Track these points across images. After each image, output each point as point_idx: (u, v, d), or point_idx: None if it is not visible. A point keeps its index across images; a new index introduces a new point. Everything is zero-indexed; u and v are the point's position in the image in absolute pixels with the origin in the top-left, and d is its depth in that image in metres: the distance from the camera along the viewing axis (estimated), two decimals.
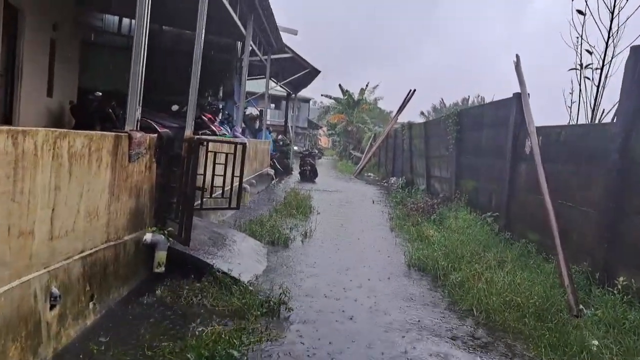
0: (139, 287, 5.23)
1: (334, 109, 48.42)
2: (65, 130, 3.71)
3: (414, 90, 26.19)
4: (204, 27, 7.74)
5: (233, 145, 8.07)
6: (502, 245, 7.93)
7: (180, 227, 5.49)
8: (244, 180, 12.11)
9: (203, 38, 7.77)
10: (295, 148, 27.00)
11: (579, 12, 7.40)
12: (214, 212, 8.88)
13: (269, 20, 13.25)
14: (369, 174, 27.54)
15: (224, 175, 7.78)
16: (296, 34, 17.00)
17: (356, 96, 44.06)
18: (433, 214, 10.91)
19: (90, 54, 15.69)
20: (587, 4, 7.28)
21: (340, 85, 44.14)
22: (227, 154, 7.89)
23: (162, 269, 5.44)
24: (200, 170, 7.59)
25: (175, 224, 5.76)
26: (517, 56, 9.24)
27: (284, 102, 32.96)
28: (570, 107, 7.80)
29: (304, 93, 49.89)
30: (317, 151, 50.16)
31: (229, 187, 8.12)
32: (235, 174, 8.06)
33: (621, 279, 5.31)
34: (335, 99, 46.22)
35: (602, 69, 7.25)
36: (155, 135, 5.62)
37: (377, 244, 8.64)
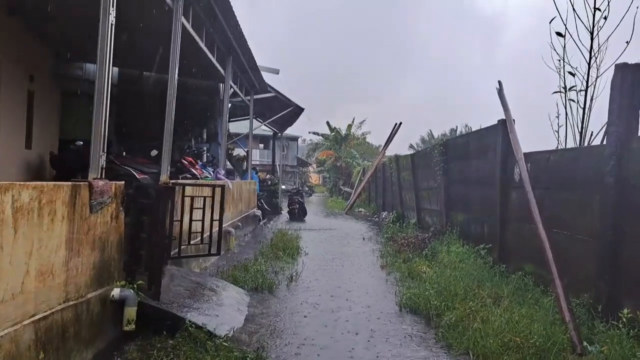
0: (106, 349, 4.79)
1: (322, 146, 48.52)
2: (8, 182, 3.38)
3: (400, 123, 26.28)
4: (177, 69, 7.53)
5: (211, 188, 7.76)
6: (497, 279, 7.57)
7: (149, 281, 5.11)
8: (228, 223, 11.76)
9: (176, 81, 7.56)
10: (283, 187, 26.68)
11: (559, 34, 7.27)
12: (196, 260, 8.46)
13: (249, 61, 13.15)
14: (360, 209, 27.21)
15: (202, 220, 7.45)
16: (278, 73, 16.97)
17: (343, 132, 44.22)
18: (425, 248, 10.56)
19: (71, 103, 15.50)
20: (566, 26, 7.16)
21: (327, 122, 44.45)
22: (205, 198, 7.59)
23: (133, 326, 5.02)
24: (179, 216, 7.27)
25: (146, 277, 5.37)
26: (500, 82, 9.11)
27: (281, 144, 32.89)
28: (558, 132, 7.59)
29: (291, 131, 50.04)
30: (307, 188, 50.03)
31: (211, 231, 7.78)
32: (214, 218, 7.74)
33: (626, 311, 4.96)
34: (322, 135, 46.41)
35: (586, 91, 7.08)
36: (122, 182, 5.29)
37: (367, 285, 8.24)
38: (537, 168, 7.44)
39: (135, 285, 5.13)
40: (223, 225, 11.09)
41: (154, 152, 10.75)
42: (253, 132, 17.85)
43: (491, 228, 9.12)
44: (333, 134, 44.38)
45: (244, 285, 7.55)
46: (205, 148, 17.45)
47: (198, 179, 10.45)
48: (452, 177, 11.82)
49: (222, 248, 10.57)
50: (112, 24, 5.09)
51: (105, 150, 5.11)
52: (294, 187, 23.28)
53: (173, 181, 7.24)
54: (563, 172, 6.74)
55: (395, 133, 26.32)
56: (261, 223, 17.20)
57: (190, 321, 5.02)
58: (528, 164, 7.58)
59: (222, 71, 11.55)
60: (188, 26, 8.36)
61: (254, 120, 20.70)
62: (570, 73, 7.30)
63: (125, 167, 9.76)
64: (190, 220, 7.25)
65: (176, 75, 7.54)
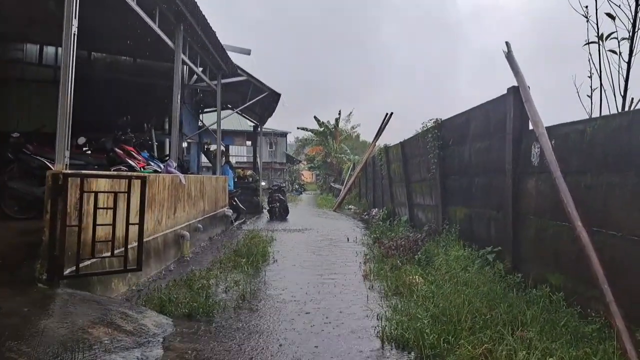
0: None
1: (312, 142, 46.54)
2: None
3: (391, 113, 24.48)
4: (75, 28, 5.54)
5: (126, 181, 5.79)
6: (512, 294, 5.66)
7: None
8: (182, 225, 9.77)
9: (73, 43, 5.55)
10: (263, 184, 24.70)
11: None
12: (122, 276, 6.43)
13: (208, 34, 11.18)
14: (350, 206, 25.32)
15: (113, 224, 5.50)
16: (249, 54, 15.04)
17: (332, 125, 42.37)
18: (417, 252, 8.63)
19: (8, 91, 13.55)
20: None
21: (315, 117, 42.47)
22: (116, 194, 5.63)
23: None
24: (77, 219, 5.32)
25: None
26: (507, 44, 7.26)
27: (259, 138, 30.81)
28: (591, 96, 5.66)
29: (280, 127, 48.10)
30: (297, 187, 48.11)
31: (127, 240, 5.82)
32: (132, 221, 5.79)
33: None
34: (311, 130, 44.42)
35: (632, 37, 5.17)
36: None
37: (342, 304, 6.26)
38: (565, 146, 5.53)
39: None
40: (175, 228, 9.15)
41: (82, 140, 8.78)
42: (239, 128, 15.97)
43: (501, 226, 7.20)
44: (322, 129, 42.43)
45: (173, 310, 5.58)
46: (167, 140, 15.53)
47: (137, 171, 8.49)
48: (449, 166, 9.89)
49: (167, 258, 8.55)
50: None
51: None
52: (275, 184, 21.29)
53: (69, 171, 5.28)
54: (607, 148, 4.82)
55: (387, 124, 24.48)
56: (235, 224, 15.26)
57: None
58: (552, 141, 5.67)
59: (170, 43, 9.57)
60: None
61: (228, 109, 18.79)
62: (608, 15, 5.38)
63: (38, 157, 7.83)
64: (94, 224, 5.30)
65: (73, 36, 5.55)
